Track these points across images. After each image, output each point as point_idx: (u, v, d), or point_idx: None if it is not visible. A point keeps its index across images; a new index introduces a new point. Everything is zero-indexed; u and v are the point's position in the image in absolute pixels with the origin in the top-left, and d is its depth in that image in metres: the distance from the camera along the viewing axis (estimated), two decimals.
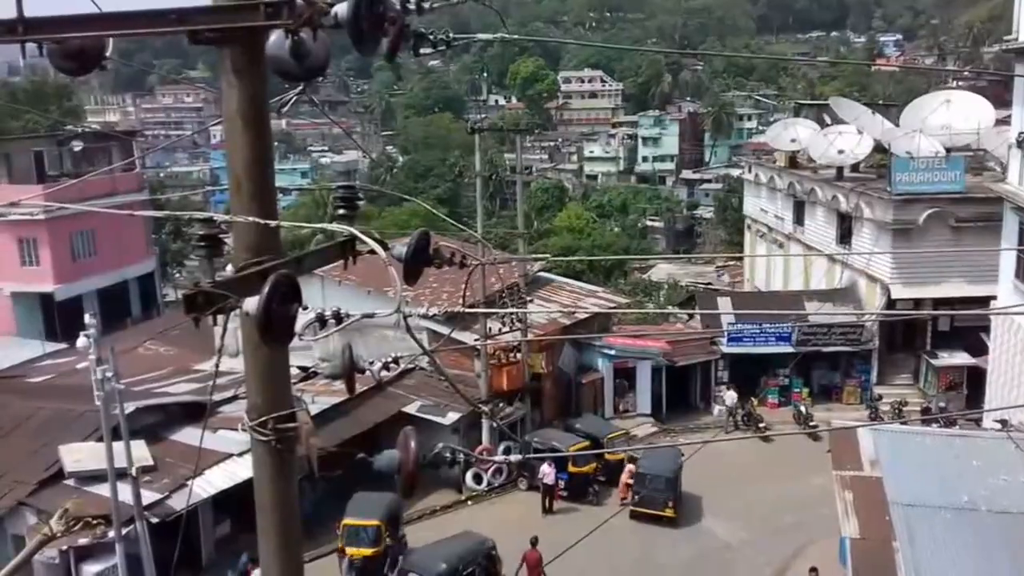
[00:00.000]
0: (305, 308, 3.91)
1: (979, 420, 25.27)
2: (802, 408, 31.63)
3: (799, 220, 40.74)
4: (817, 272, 38.60)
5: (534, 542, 20.62)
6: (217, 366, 5.25)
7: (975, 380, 29.82)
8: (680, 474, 24.66)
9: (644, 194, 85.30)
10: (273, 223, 4.29)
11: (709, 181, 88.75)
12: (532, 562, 20.41)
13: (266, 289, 3.75)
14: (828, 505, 19.09)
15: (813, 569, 19.15)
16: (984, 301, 25.44)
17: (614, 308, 35.95)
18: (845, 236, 36.11)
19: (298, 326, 3.88)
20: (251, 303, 3.82)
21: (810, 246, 39.09)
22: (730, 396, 32.05)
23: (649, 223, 76.89)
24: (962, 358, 31.97)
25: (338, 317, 3.96)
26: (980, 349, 28.74)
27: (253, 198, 4.33)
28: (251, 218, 4.25)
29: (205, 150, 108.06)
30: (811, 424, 29.63)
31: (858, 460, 19.45)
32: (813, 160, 40.07)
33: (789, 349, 33.22)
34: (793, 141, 41.97)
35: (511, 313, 26.79)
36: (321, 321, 3.93)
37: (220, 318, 4.02)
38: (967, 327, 31.69)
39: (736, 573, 21.77)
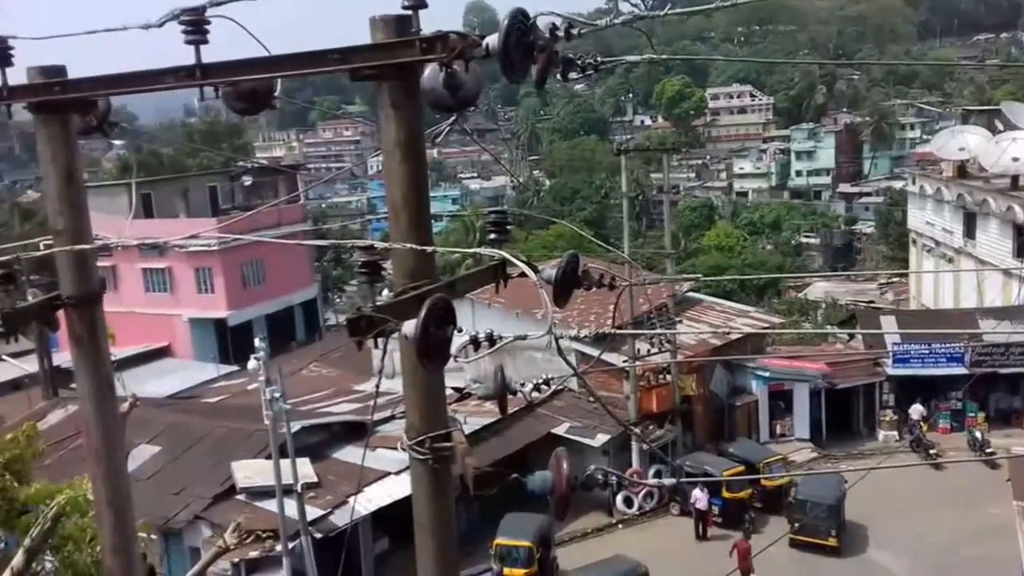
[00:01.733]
0: (460, 331, 4.03)
1: None
2: (977, 434, 29.54)
3: (970, 233, 38.33)
4: (992, 288, 36.08)
5: (747, 533, 22.07)
6: (377, 387, 5.47)
7: None
8: (844, 501, 23.54)
9: (798, 210, 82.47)
10: (430, 248, 4.45)
11: (869, 195, 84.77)
12: (743, 551, 21.10)
13: (423, 312, 3.88)
14: (1008, 538, 17.74)
15: None
16: None
17: (767, 328, 34.86)
18: (1023, 249, 33.64)
19: (453, 348, 3.99)
20: (409, 326, 3.96)
21: (983, 260, 36.64)
22: (916, 410, 30.46)
23: (804, 239, 74.17)
24: None
25: (491, 339, 4.06)
26: None
27: (411, 225, 4.51)
28: (409, 244, 4.42)
29: (363, 181, 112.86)
30: (988, 451, 27.61)
31: None
32: (984, 169, 37.70)
33: (962, 370, 31.12)
34: (961, 150, 39.59)
35: (660, 334, 26.46)
36: (475, 343, 4.03)
37: (380, 341, 4.19)
38: None
39: None
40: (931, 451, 28.57)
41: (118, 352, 32.01)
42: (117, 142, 66.98)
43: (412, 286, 4.52)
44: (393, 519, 20.70)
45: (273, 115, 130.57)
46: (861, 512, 24.42)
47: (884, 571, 22.54)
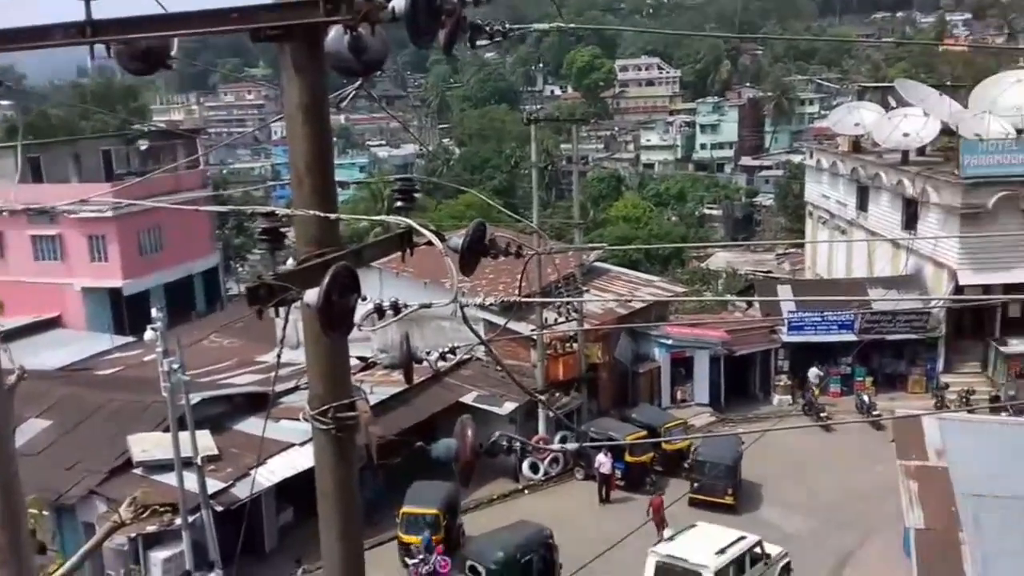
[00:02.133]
0: (364, 299, 3.99)
1: None
2: (865, 397, 31.07)
3: (863, 206, 39.87)
4: (881, 259, 37.75)
5: (658, 490, 23.91)
6: (279, 357, 5.38)
7: None
8: (740, 462, 24.57)
9: (702, 182, 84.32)
10: (333, 216, 4.38)
11: (769, 168, 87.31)
12: (656, 506, 22.53)
13: (326, 280, 3.82)
14: (892, 495, 18.76)
15: None
16: None
17: (671, 296, 35.71)
18: (911, 221, 35.24)
19: (357, 317, 3.95)
20: (311, 295, 3.90)
21: (874, 232, 38.25)
22: (813, 372, 31.93)
23: (707, 211, 75.98)
24: None
25: (396, 308, 4.03)
26: None
27: (314, 192, 4.42)
28: (312, 211, 4.34)
29: (267, 147, 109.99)
30: (874, 413, 29.06)
31: (923, 450, 19.06)
32: (878, 144, 39.16)
33: (852, 337, 32.65)
34: (857, 125, 41.03)
35: (567, 303, 26.80)
36: (379, 312, 4.00)
37: (282, 310, 4.11)
38: None
39: (797, 564, 21.48)
40: (822, 414, 29.89)
41: (6, 323, 30.76)
42: (3, 102, 63.43)
43: (315, 254, 4.44)
44: (298, 490, 20.50)
45: (171, 77, 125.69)
46: (756, 472, 25.49)
47: (776, 528, 23.54)
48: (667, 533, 21.05)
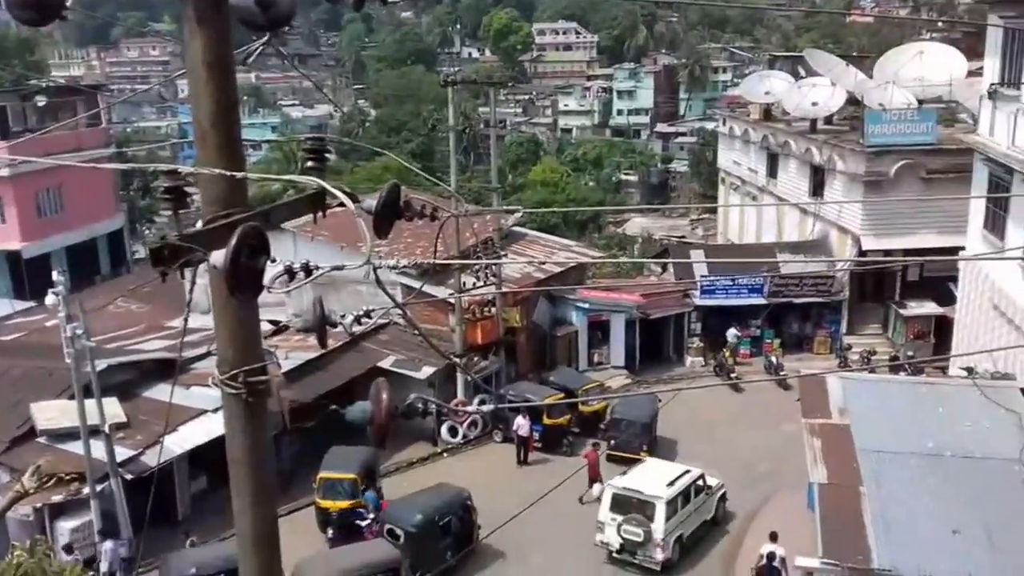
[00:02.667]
0: (273, 261, 3.89)
1: (945, 368, 25.73)
2: (773, 358, 32.10)
3: (773, 173, 40.86)
4: (789, 225, 38.85)
5: (595, 444, 24.45)
6: (186, 321, 5.17)
7: (943, 329, 30.32)
8: (656, 420, 25.33)
9: (619, 148, 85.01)
10: (239, 175, 4.24)
11: (684, 135, 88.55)
12: (592, 460, 23.38)
13: (233, 241, 3.72)
14: (798, 453, 19.43)
15: (773, 534, 19.48)
16: (953, 252, 25.76)
17: (588, 259, 36.06)
18: (818, 188, 36.29)
19: (266, 279, 3.85)
20: (218, 256, 3.79)
21: (783, 198, 39.27)
22: (732, 333, 32.86)
23: (624, 177, 76.76)
24: (930, 308, 32.47)
25: (307, 269, 3.94)
26: (948, 299, 29.18)
27: (219, 149, 4.28)
28: (217, 170, 4.20)
29: (173, 104, 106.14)
30: (781, 374, 30.06)
31: (827, 408, 19.77)
32: (787, 113, 40.07)
33: (761, 301, 33.63)
34: (767, 94, 41.89)
35: (484, 266, 26.80)
36: (290, 274, 3.91)
37: (188, 272, 3.98)
38: (936, 277, 32.14)
39: None
40: (732, 375, 30.78)
41: None
42: None
43: (222, 215, 4.31)
44: (212, 458, 20.11)
45: (71, 30, 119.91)
46: (671, 431, 26.16)
47: None
48: (596, 489, 22.06)
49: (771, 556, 18.71)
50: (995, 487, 16.62)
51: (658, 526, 19.50)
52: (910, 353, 31.57)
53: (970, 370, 21.54)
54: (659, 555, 19.56)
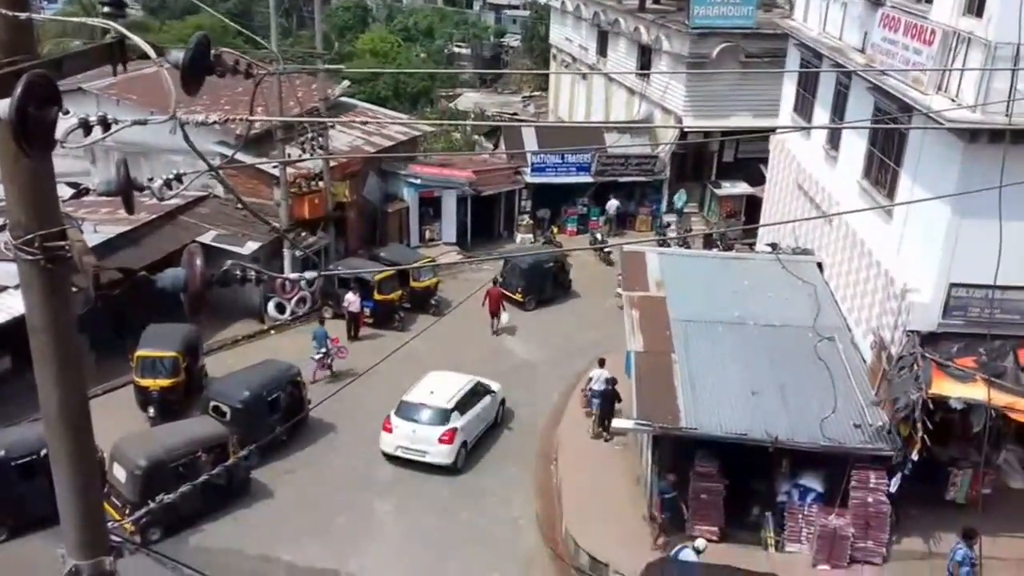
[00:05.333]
0: (67, 113, 3.55)
1: (753, 244, 27.52)
2: (598, 235, 33.19)
3: (603, 51, 41.19)
4: (618, 103, 39.58)
5: (495, 281, 26.79)
6: None
7: (752, 208, 32.24)
8: (537, 269, 27.80)
9: (451, 18, 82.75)
10: (23, 15, 3.80)
11: (516, 8, 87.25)
12: (495, 297, 25.86)
13: (19, 90, 3.36)
14: (620, 324, 20.48)
15: (600, 360, 20.99)
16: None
17: (420, 128, 35.51)
18: (645, 68, 36.97)
19: (59, 132, 3.52)
20: (2, 106, 3.42)
21: (611, 77, 39.81)
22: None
23: (456, 49, 75.16)
24: (742, 187, 34.36)
25: (105, 123, 3.62)
26: (758, 179, 30.94)
27: None
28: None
29: None
30: (605, 251, 31.21)
31: (646, 282, 20.84)
32: None
33: (588, 179, 34.46)
34: None
35: (310, 137, 25.78)
36: (86, 128, 3.57)
37: None
38: (748, 159, 33.93)
39: (534, 386, 23.21)
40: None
41: None
42: None
43: (6, 62, 3.88)
44: (17, 337, 18.84)
45: None
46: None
47: (517, 357, 25.17)
48: (504, 318, 25.88)
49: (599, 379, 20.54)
50: (791, 352, 18.25)
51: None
52: (722, 230, 33.47)
53: (774, 246, 23.18)
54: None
